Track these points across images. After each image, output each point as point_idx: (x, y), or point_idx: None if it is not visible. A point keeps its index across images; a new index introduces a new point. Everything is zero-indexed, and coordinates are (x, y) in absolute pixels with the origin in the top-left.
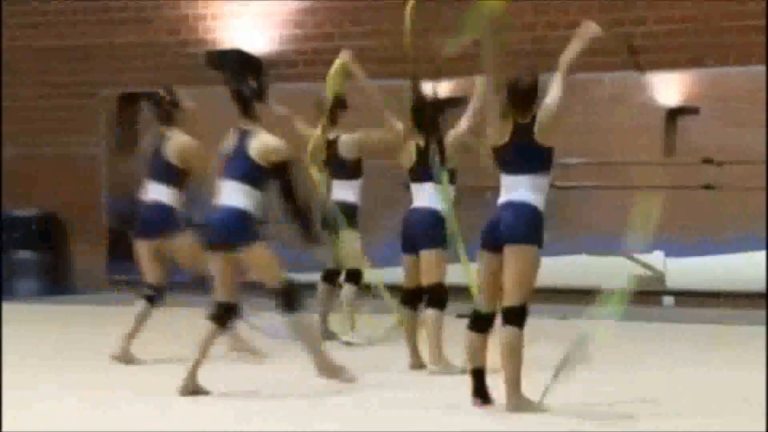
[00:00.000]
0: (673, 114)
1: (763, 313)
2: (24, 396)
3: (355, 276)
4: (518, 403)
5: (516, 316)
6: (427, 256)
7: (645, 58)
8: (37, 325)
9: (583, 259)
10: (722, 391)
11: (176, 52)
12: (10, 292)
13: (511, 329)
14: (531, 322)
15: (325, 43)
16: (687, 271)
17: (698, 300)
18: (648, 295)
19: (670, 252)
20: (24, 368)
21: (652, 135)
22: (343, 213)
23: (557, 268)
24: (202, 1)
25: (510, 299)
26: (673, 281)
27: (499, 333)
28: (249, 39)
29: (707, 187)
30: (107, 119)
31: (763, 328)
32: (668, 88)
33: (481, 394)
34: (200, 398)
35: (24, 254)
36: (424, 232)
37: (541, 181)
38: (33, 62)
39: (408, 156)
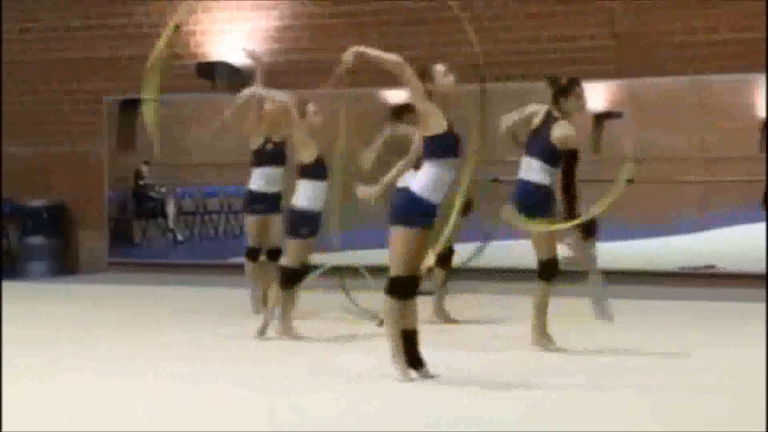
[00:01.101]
0: (600, 118)
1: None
2: (35, 365)
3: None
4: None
5: (391, 286)
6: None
7: (577, 68)
8: (47, 303)
9: (521, 243)
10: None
11: (171, 64)
12: (23, 273)
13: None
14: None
15: (301, 55)
16: (613, 252)
17: (624, 277)
18: (580, 274)
19: (599, 236)
20: (32, 341)
21: (581, 136)
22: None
23: (501, 251)
24: (193, 20)
25: (391, 271)
26: (601, 261)
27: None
28: (234, 53)
29: (629, 181)
30: (109, 122)
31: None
32: (596, 95)
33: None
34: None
35: (35, 240)
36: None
37: (425, 167)
38: (47, 73)
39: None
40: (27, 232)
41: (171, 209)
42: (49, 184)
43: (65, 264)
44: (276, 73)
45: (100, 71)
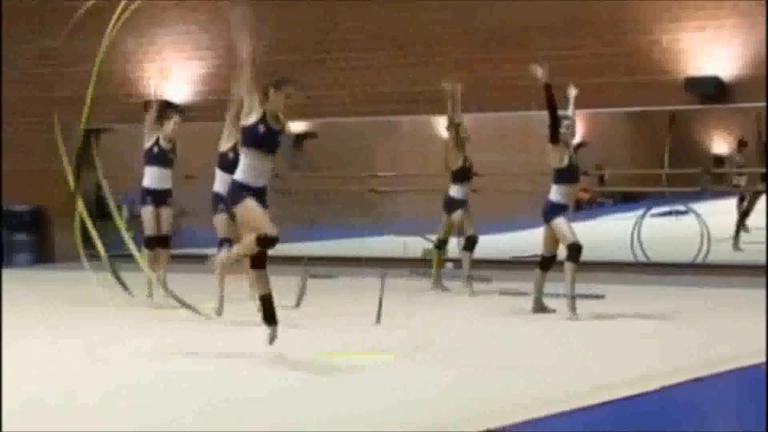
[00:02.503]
0: (300, 138)
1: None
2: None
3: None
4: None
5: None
6: None
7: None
8: (31, 286)
9: (389, 238)
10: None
11: (123, 101)
12: (11, 263)
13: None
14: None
15: (226, 96)
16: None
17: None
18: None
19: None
20: (21, 318)
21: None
22: None
23: (372, 245)
24: (139, 68)
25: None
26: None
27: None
28: (174, 92)
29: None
30: (76, 146)
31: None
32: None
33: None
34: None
35: (20, 236)
36: None
37: (244, 158)
38: (32, 108)
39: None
40: (14, 230)
41: (125, 213)
42: (31, 192)
43: (43, 255)
44: (205, 108)
45: (71, 107)
